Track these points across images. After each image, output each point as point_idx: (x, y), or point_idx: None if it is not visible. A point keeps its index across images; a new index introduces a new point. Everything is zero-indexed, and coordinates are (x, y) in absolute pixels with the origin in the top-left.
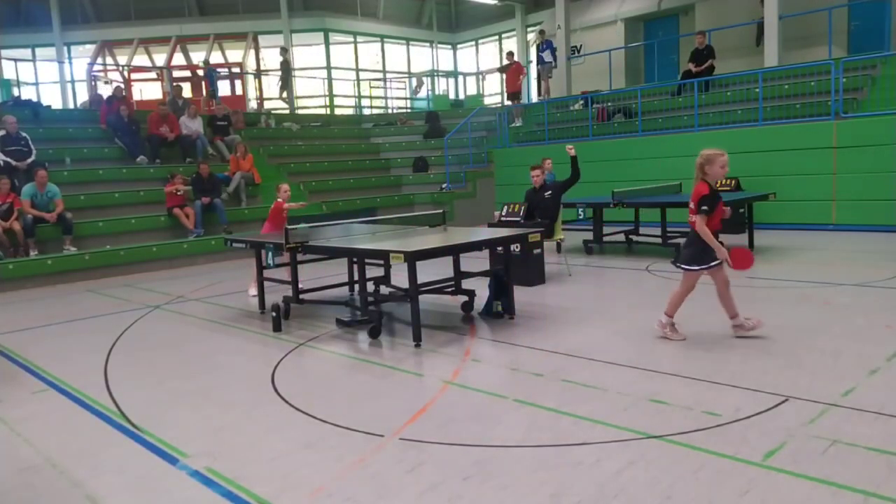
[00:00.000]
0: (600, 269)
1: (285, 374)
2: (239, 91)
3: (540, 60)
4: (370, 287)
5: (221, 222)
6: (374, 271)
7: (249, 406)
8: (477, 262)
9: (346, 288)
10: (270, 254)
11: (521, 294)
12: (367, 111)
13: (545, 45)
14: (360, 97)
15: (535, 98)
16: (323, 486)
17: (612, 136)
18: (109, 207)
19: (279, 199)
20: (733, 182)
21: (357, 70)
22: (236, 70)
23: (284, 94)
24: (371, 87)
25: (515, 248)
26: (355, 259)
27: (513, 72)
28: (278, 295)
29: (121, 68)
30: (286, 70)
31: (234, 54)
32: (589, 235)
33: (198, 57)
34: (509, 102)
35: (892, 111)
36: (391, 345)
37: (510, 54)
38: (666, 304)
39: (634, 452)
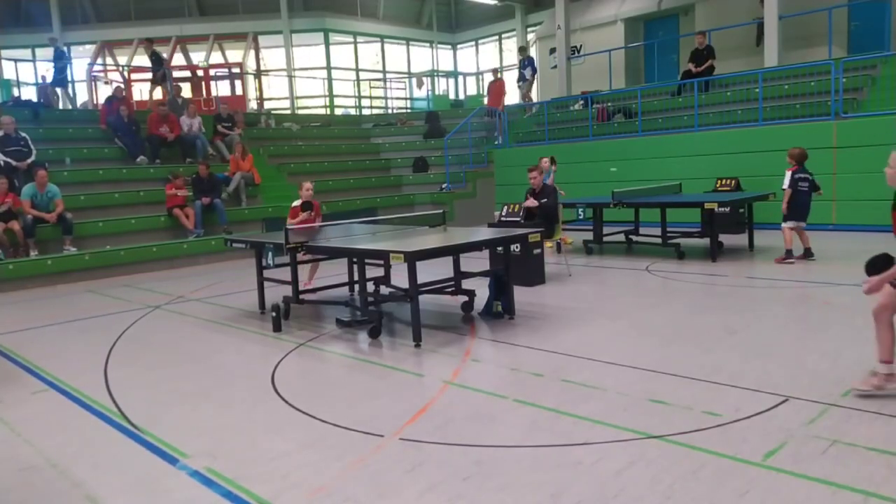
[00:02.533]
0: (600, 269)
1: (285, 374)
2: (239, 91)
3: (521, 77)
4: (370, 287)
5: (221, 222)
6: (374, 271)
7: (249, 406)
8: (477, 262)
9: (346, 288)
10: (271, 254)
11: (521, 294)
12: (366, 111)
13: (526, 61)
14: (360, 97)
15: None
16: (323, 486)
17: (612, 136)
18: (109, 207)
19: (294, 205)
20: (733, 182)
21: (357, 70)
22: (236, 70)
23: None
24: (371, 87)
25: (515, 248)
26: (355, 259)
27: (497, 88)
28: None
29: (121, 68)
30: (156, 63)
31: (234, 54)
32: (589, 235)
33: (198, 57)
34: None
35: (892, 111)
36: (391, 345)
37: (495, 70)
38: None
39: (634, 452)
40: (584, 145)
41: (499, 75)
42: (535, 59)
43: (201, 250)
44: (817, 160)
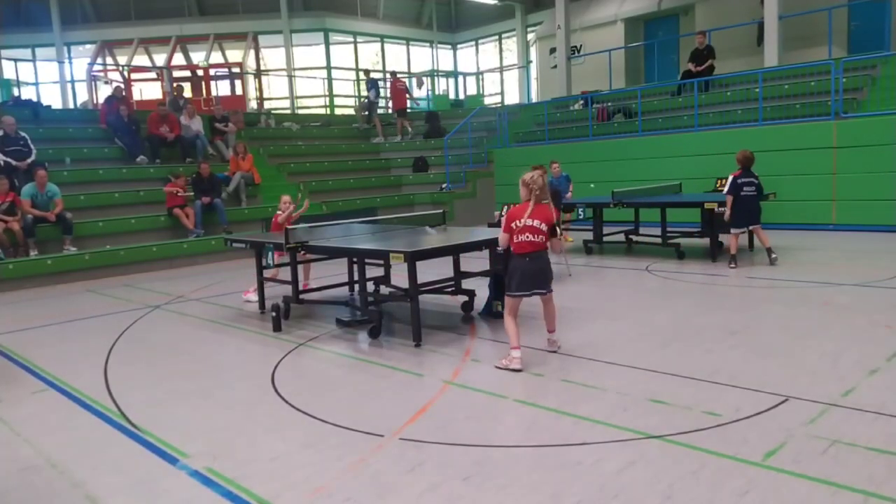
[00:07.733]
0: (600, 269)
1: (285, 374)
2: (239, 91)
3: (368, 99)
4: (370, 287)
5: (221, 222)
6: (374, 271)
7: (249, 406)
8: (477, 262)
9: (346, 288)
10: (270, 254)
11: None
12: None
13: (370, 84)
14: (359, 97)
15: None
16: (323, 486)
17: (612, 136)
18: (109, 207)
19: (277, 213)
20: None
21: (357, 70)
22: (236, 70)
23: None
24: None
25: None
26: (355, 259)
27: (398, 90)
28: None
29: (121, 68)
30: None
31: (235, 54)
32: (589, 235)
33: (198, 57)
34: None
35: (892, 111)
36: (391, 345)
37: (392, 73)
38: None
39: (634, 452)
40: (584, 145)
41: (396, 75)
42: (534, 60)
43: (201, 250)
44: (817, 160)
